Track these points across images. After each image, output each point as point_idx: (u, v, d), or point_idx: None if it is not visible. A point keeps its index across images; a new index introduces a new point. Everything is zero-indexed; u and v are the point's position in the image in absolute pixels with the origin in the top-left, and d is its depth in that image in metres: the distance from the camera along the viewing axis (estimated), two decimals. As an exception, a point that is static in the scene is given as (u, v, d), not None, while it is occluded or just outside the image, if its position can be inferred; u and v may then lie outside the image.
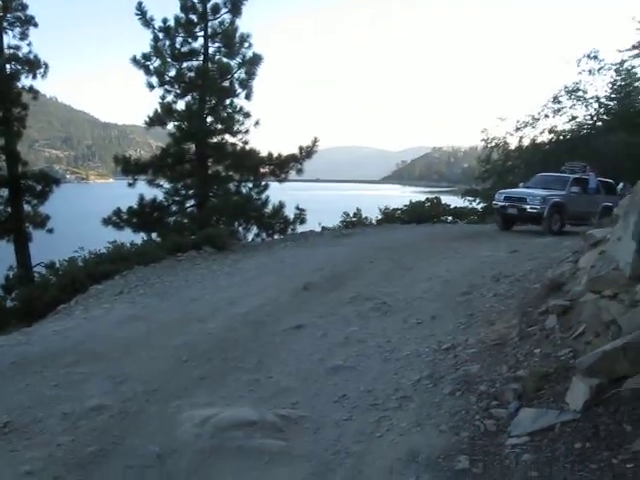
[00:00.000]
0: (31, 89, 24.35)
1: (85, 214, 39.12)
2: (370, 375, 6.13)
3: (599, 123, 31.53)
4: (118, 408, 5.63)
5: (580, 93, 31.63)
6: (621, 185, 21.60)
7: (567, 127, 32.18)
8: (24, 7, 24.15)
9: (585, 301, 5.70)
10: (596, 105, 31.83)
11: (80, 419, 5.40)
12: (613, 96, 31.84)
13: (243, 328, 8.22)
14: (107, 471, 4.53)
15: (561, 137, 31.78)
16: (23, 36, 23.99)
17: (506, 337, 6.27)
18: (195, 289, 11.15)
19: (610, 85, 31.81)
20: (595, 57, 31.17)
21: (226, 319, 8.71)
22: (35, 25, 24.26)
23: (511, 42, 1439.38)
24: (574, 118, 31.93)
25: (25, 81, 24.24)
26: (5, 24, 23.70)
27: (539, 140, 32.91)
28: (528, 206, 18.62)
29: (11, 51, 23.90)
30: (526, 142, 33.20)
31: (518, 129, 32.68)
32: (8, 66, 23.75)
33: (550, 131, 32.21)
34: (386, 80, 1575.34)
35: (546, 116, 32.13)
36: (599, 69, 31.26)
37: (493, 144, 33.23)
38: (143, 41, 23.25)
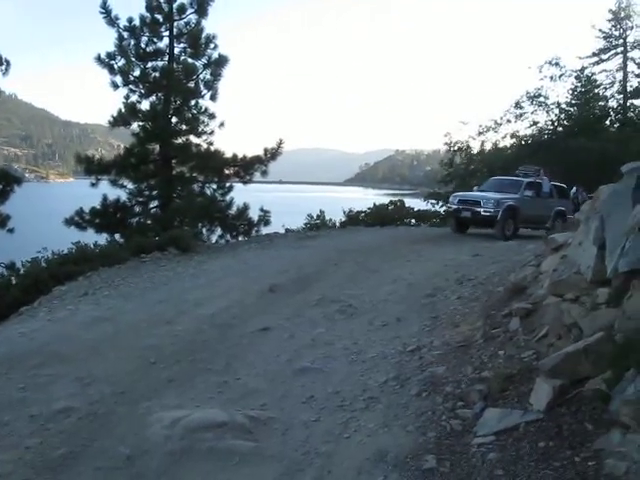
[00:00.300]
0: (-8, 86, 23.95)
1: (46, 214, 38.50)
2: (337, 377, 6.19)
3: (560, 128, 32.15)
4: (86, 410, 5.61)
5: (542, 99, 32.31)
6: (574, 189, 22.07)
7: (529, 132, 32.86)
8: (-15, 3, 23.74)
9: (547, 304, 5.86)
10: (557, 111, 32.54)
11: (48, 421, 5.37)
12: (573, 102, 32.55)
13: (210, 330, 8.23)
14: (77, 473, 4.53)
15: (523, 142, 32.34)
16: (-17, 33, 23.55)
17: (471, 339, 6.40)
18: (161, 291, 11.09)
19: (571, 91, 32.54)
20: (557, 64, 31.97)
21: (193, 321, 8.70)
22: (-4, 21, 23.90)
23: (477, 46, 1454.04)
24: (535, 123, 32.62)
25: (-14, 78, 23.80)
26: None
27: (501, 144, 33.57)
28: (482, 209, 18.74)
29: (-29, 47, 23.45)
30: (488, 146, 33.80)
31: (481, 133, 33.28)
32: (-32, 63, 23.27)
33: (512, 136, 32.89)
34: (350, 82, 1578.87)
35: (508, 121, 32.78)
36: (560, 76, 32.07)
37: (456, 148, 33.66)
38: (107, 39, 23.03)
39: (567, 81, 32.53)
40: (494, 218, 18.52)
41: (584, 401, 4.19)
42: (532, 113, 32.63)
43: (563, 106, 32.56)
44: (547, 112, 32.59)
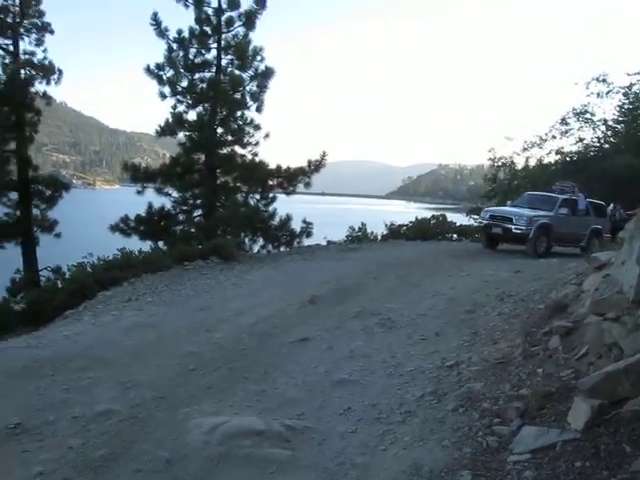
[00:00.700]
0: (44, 95, 24.56)
1: (92, 220, 39.22)
2: (375, 389, 6.23)
3: (606, 145, 31.64)
4: (127, 413, 5.74)
5: (588, 115, 31.81)
6: (611, 206, 21.49)
7: (574, 149, 32.33)
8: (41, 14, 24.42)
9: (588, 323, 5.81)
10: (603, 128, 31.98)
11: (90, 423, 5.51)
12: (621, 119, 32.00)
13: (250, 339, 8.33)
14: (116, 475, 4.63)
15: (568, 158, 31.90)
16: (39, 42, 24.24)
17: (510, 356, 6.36)
18: (203, 299, 11.25)
19: (618, 108, 31.99)
20: (604, 80, 31.37)
21: (233, 329, 8.81)
22: (51, 32, 24.52)
23: (522, 61, 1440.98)
24: (581, 140, 32.08)
25: (39, 87, 24.50)
26: (22, 30, 23.91)
27: (546, 161, 33.07)
28: (513, 227, 18.25)
29: (26, 57, 24.10)
30: (533, 162, 33.37)
31: (525, 149, 32.83)
32: (23, 71, 23.96)
33: (557, 152, 32.35)
34: (394, 95, 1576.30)
35: (553, 137, 32.26)
36: (607, 92, 31.45)
37: (500, 163, 33.36)
38: (154, 49, 23.55)
39: (614, 98, 32.04)
40: (526, 236, 18.02)
41: (623, 422, 4.15)
42: (578, 130, 32.18)
43: (610, 123, 32.08)
44: (593, 129, 32.12)
